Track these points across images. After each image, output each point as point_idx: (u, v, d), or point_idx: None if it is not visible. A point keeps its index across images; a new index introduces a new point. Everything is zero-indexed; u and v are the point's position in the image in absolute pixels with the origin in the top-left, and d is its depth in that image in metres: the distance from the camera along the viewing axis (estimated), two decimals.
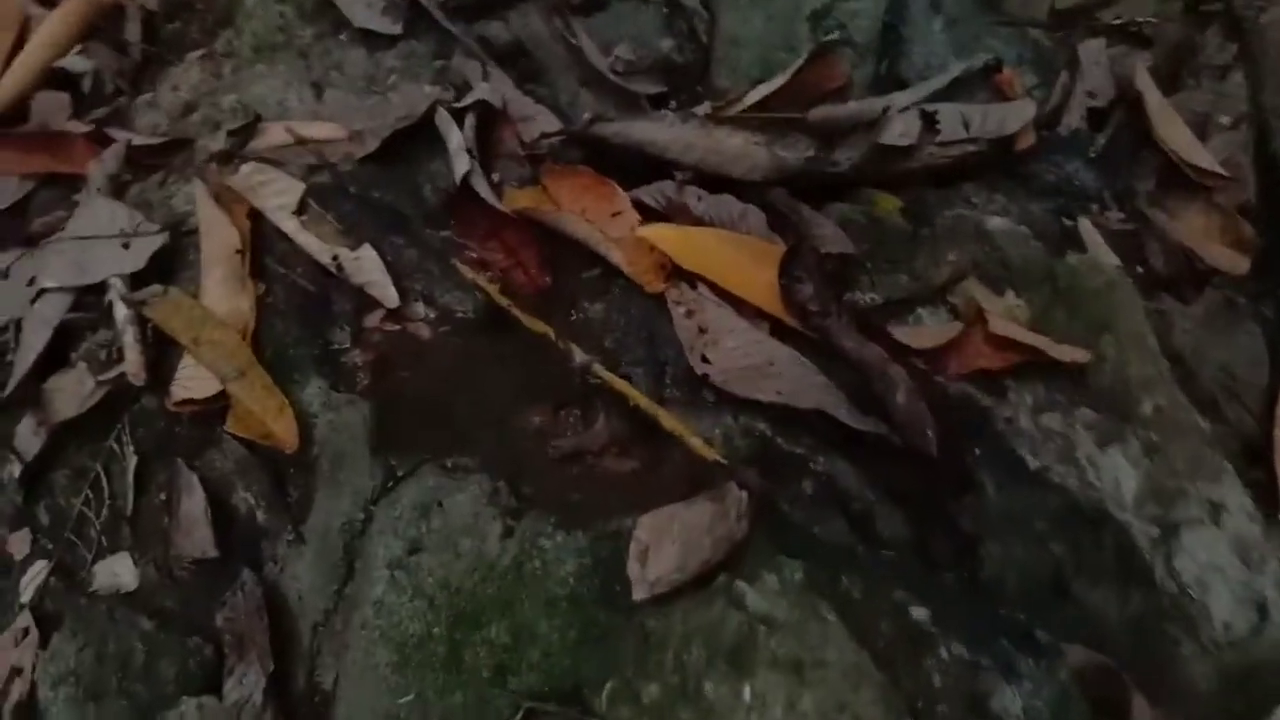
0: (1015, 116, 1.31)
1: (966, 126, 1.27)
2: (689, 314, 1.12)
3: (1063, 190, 1.29)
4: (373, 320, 1.22)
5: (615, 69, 1.50)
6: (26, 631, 1.07)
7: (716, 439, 1.04)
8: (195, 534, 1.07)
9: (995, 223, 1.22)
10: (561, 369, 1.10)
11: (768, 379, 1.05)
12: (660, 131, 1.31)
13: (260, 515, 1.11)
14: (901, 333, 1.15)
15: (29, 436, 1.13)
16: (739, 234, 1.21)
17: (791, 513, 0.98)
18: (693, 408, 1.08)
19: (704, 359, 1.08)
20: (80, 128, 1.43)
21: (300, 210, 1.28)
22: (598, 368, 1.05)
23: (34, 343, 1.16)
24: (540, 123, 1.42)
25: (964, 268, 1.19)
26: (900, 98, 1.32)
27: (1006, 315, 1.15)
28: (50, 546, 1.13)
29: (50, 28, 1.50)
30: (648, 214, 1.29)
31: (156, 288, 1.19)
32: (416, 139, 1.38)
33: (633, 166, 1.33)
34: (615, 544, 0.94)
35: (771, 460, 1.03)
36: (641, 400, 1.02)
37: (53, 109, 1.50)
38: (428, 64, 1.50)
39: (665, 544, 0.89)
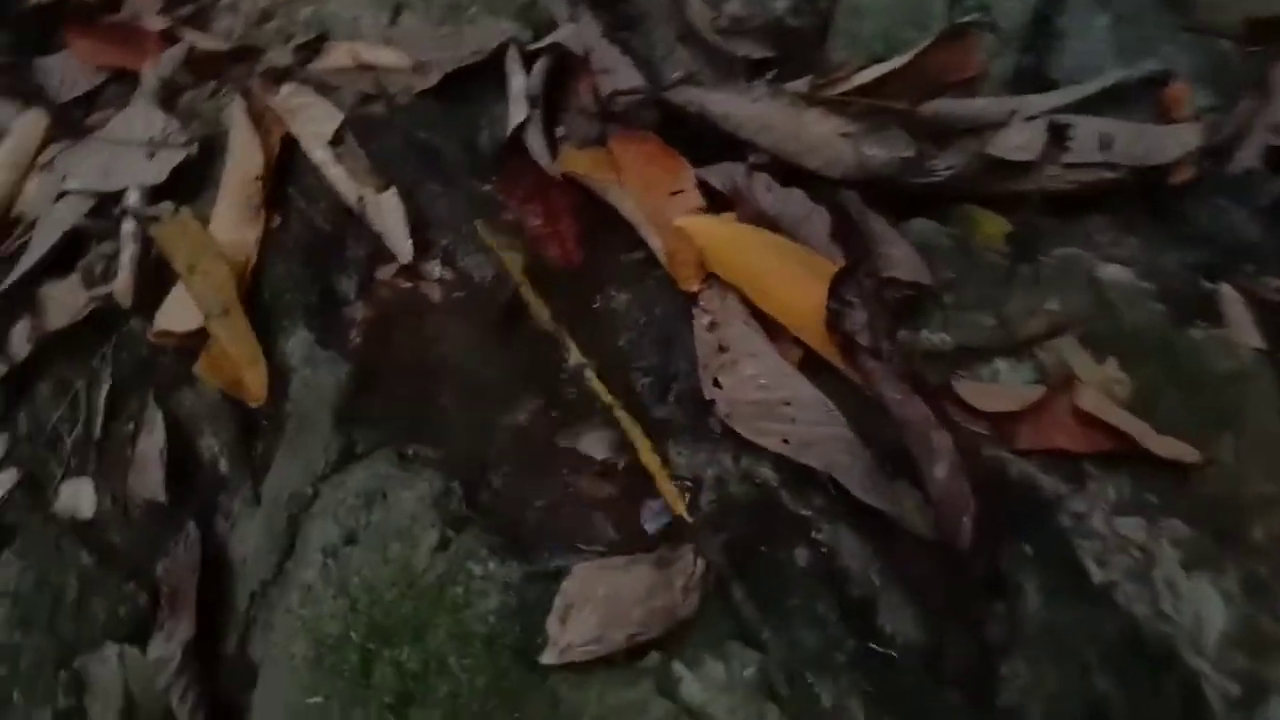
0: (1175, 143, 1.07)
1: (1106, 147, 1.04)
2: (712, 326, 0.96)
3: (1214, 242, 1.04)
4: (385, 273, 1.12)
5: (720, 26, 1.33)
6: None
7: (708, 480, 0.89)
8: (148, 474, 1.00)
9: (1113, 271, 0.99)
10: (559, 365, 0.97)
11: (777, 421, 0.88)
12: (738, 106, 1.13)
13: (223, 465, 1.03)
14: (968, 389, 0.96)
15: (20, 341, 1.09)
16: (794, 240, 1.03)
17: (767, 588, 0.82)
18: (693, 437, 0.92)
19: (716, 382, 0.93)
20: (159, 24, 1.38)
21: (336, 141, 1.18)
22: (589, 373, 0.91)
23: (40, 245, 1.12)
24: (620, 77, 1.26)
25: (1063, 321, 0.98)
26: (1034, 102, 1.10)
27: (1103, 388, 0.94)
28: (25, 455, 1.09)
29: None
30: (712, 198, 1.12)
31: (168, 205, 1.12)
32: (484, 79, 1.26)
33: (709, 140, 1.17)
34: (549, 588, 0.81)
35: (766, 518, 0.87)
36: (624, 420, 0.87)
37: (146, 2, 1.45)
38: None
39: (587, 608, 0.75)
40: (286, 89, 1.19)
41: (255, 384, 1.00)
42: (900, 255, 1.00)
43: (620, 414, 0.88)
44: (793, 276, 0.96)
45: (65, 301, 1.09)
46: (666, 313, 1.02)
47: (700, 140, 1.17)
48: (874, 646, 0.85)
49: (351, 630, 0.87)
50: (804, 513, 0.88)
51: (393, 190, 1.13)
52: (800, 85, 1.18)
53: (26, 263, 1.10)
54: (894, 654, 0.85)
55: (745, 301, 0.97)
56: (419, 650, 0.83)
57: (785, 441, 0.86)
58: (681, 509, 0.80)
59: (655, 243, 1.06)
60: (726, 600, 0.78)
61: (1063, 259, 1.02)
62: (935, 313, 1.00)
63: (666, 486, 0.82)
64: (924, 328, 0.99)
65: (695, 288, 1.01)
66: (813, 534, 0.87)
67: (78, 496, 1.05)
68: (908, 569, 0.87)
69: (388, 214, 1.12)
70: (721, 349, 0.94)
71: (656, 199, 1.12)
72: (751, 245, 0.99)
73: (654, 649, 0.76)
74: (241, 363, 1.01)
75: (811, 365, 0.95)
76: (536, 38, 1.31)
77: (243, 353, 1.01)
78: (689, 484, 0.89)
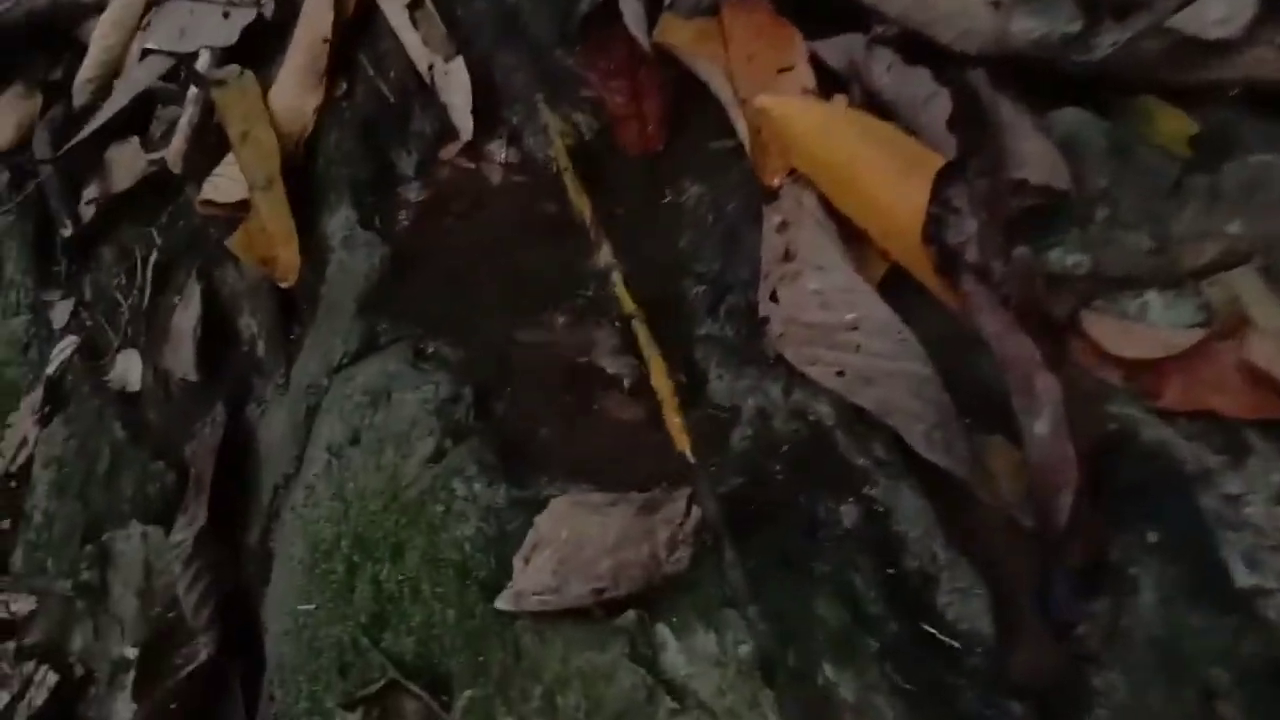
0: None
1: None
2: (782, 227, 0.80)
3: None
4: (449, 152, 1.01)
5: None
6: (40, 407, 1.03)
7: (747, 411, 0.74)
8: (181, 351, 0.96)
9: None
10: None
11: (835, 348, 0.72)
12: None
13: (260, 348, 0.97)
14: (1101, 325, 0.76)
15: (86, 204, 1.06)
16: (912, 131, 0.84)
17: (789, 548, 0.67)
18: (739, 360, 0.77)
19: (773, 296, 0.77)
20: None
21: (416, 4, 1.07)
22: (616, 276, 0.77)
23: (111, 106, 1.08)
24: None
25: (1244, 249, 0.75)
26: None
27: None
28: (85, 323, 1.07)
29: None
30: (827, 77, 0.94)
31: (234, 68, 1.05)
32: None
33: (836, 8, 0.98)
34: (534, 517, 0.69)
35: (811, 464, 0.72)
36: (641, 331, 0.73)
37: None
38: None
39: (548, 549, 0.63)
40: None
41: (287, 263, 0.92)
42: (1035, 152, 0.79)
43: (638, 325, 0.74)
44: (887, 171, 0.78)
45: (126, 164, 1.05)
46: (740, 211, 0.87)
47: (824, 8, 0.99)
48: (929, 629, 0.69)
49: (342, 538, 0.79)
50: (860, 462, 0.72)
51: (460, 59, 1.01)
52: None
53: (95, 123, 1.07)
54: (956, 644, 0.69)
55: (826, 201, 0.79)
56: (397, 570, 0.74)
57: (839, 374, 0.70)
58: (685, 446, 0.66)
59: (742, 128, 0.90)
60: (728, 556, 0.63)
61: (1256, 170, 0.78)
62: (1073, 228, 0.79)
63: (673, 416, 0.68)
64: (1056, 246, 0.79)
65: (775, 182, 0.85)
66: (866, 489, 0.71)
67: (128, 368, 1.02)
68: (983, 545, 0.70)
69: (454, 85, 1.01)
70: (787, 256, 0.78)
71: (760, 77, 0.95)
72: (843, 131, 0.81)
73: (632, 607, 0.63)
74: (276, 240, 0.93)
75: (895, 285, 0.77)
76: None
77: (278, 229, 0.93)
78: (724, 414, 0.74)
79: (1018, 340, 0.71)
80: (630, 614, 0.63)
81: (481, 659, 0.67)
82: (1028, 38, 0.85)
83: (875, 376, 0.70)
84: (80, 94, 1.20)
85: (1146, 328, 0.76)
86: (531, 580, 0.62)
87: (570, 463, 0.74)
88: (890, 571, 0.69)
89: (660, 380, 0.70)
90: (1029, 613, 0.69)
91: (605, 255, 0.79)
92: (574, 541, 0.62)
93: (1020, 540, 0.69)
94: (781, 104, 0.84)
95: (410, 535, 0.73)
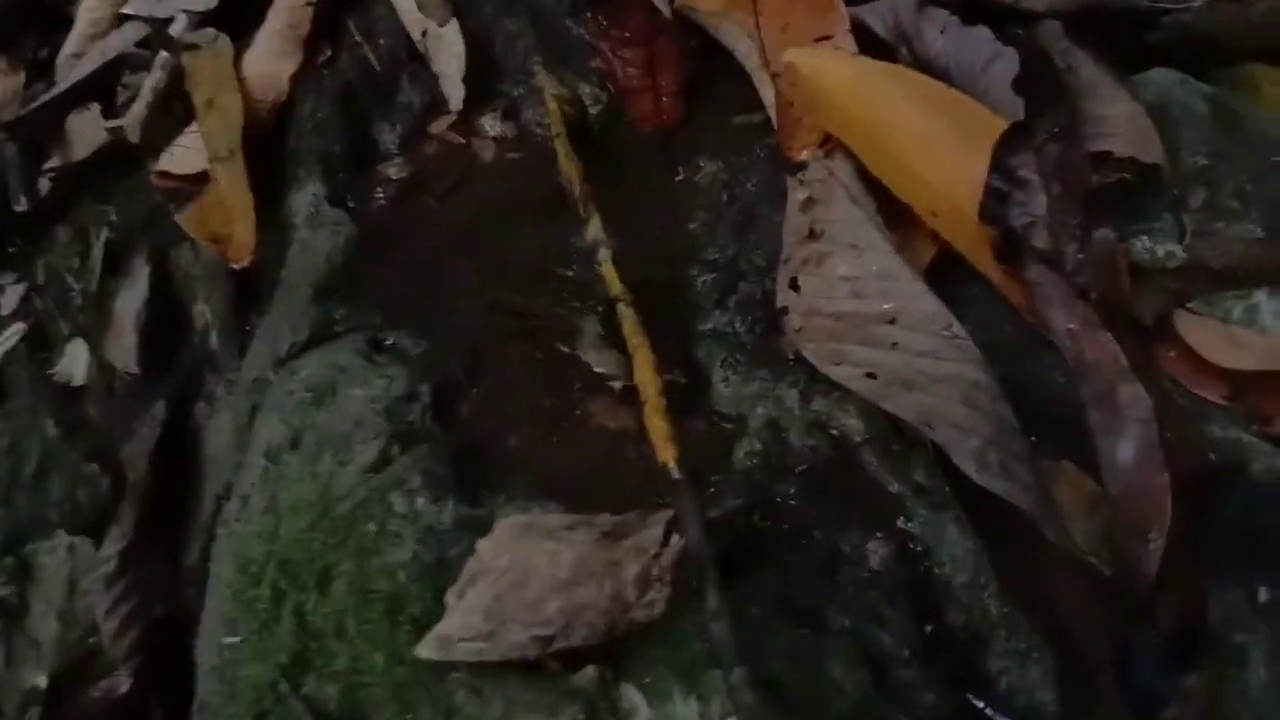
0: None
1: None
2: (807, 204, 0.67)
3: None
4: (438, 126, 0.90)
5: None
6: None
7: (755, 421, 0.60)
8: (122, 341, 0.84)
9: None
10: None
11: (868, 345, 0.58)
12: None
13: (213, 339, 0.85)
14: (1199, 329, 0.61)
15: (44, 178, 0.96)
16: (959, 92, 0.70)
17: (797, 593, 0.53)
18: (749, 359, 0.64)
19: (794, 283, 0.63)
20: None
21: None
22: (604, 253, 0.64)
23: (77, 72, 0.98)
24: None
25: None
26: None
27: None
28: (35, 308, 0.96)
29: None
30: (869, 45, 0.81)
31: (209, 33, 0.94)
32: None
33: None
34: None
35: (832, 489, 0.58)
36: (626, 318, 0.60)
37: None
38: None
39: (483, 582, 0.49)
40: None
41: (242, 242, 0.81)
42: (1120, 117, 0.65)
43: (624, 309, 0.61)
44: (938, 137, 0.64)
45: (87, 133, 0.94)
46: (760, 189, 0.74)
47: None
48: (976, 702, 0.54)
49: (269, 560, 0.66)
50: (893, 487, 0.58)
51: (454, 24, 0.89)
52: None
53: (55, 90, 0.97)
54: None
55: (863, 171, 0.66)
56: (324, 601, 0.61)
57: (870, 376, 0.56)
58: (669, 457, 0.52)
59: (769, 96, 0.77)
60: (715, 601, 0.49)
61: None
62: (1166, 212, 0.65)
63: (656, 419, 0.54)
64: (1145, 232, 0.65)
65: (803, 155, 0.71)
66: (900, 522, 0.57)
67: (75, 359, 0.91)
68: (1047, 598, 0.55)
69: (446, 52, 0.89)
70: (813, 235, 0.64)
71: (794, 45, 0.82)
72: (885, 89, 0.67)
73: (593, 662, 0.49)
74: (233, 215, 0.82)
75: (944, 272, 0.63)
76: None
77: (235, 203, 0.82)
78: (728, 423, 0.61)
79: (1097, 342, 0.57)
80: (590, 671, 0.49)
81: (409, 717, 0.54)
82: None
83: (916, 380, 0.56)
84: (63, 69, 1.12)
85: (1254, 334, 0.61)
86: (461, 622, 0.49)
87: (539, 477, 0.61)
88: (928, 628, 0.54)
89: (645, 375, 0.56)
90: (1104, 686, 0.54)
91: (594, 230, 0.66)
92: (515, 574, 0.48)
93: (1095, 593, 0.54)
94: (813, 58, 0.71)
95: (338, 559, 0.60)
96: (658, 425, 0.53)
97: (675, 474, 0.51)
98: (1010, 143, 0.63)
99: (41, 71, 1.15)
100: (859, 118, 0.66)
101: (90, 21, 1.12)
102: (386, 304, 0.75)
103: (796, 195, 0.67)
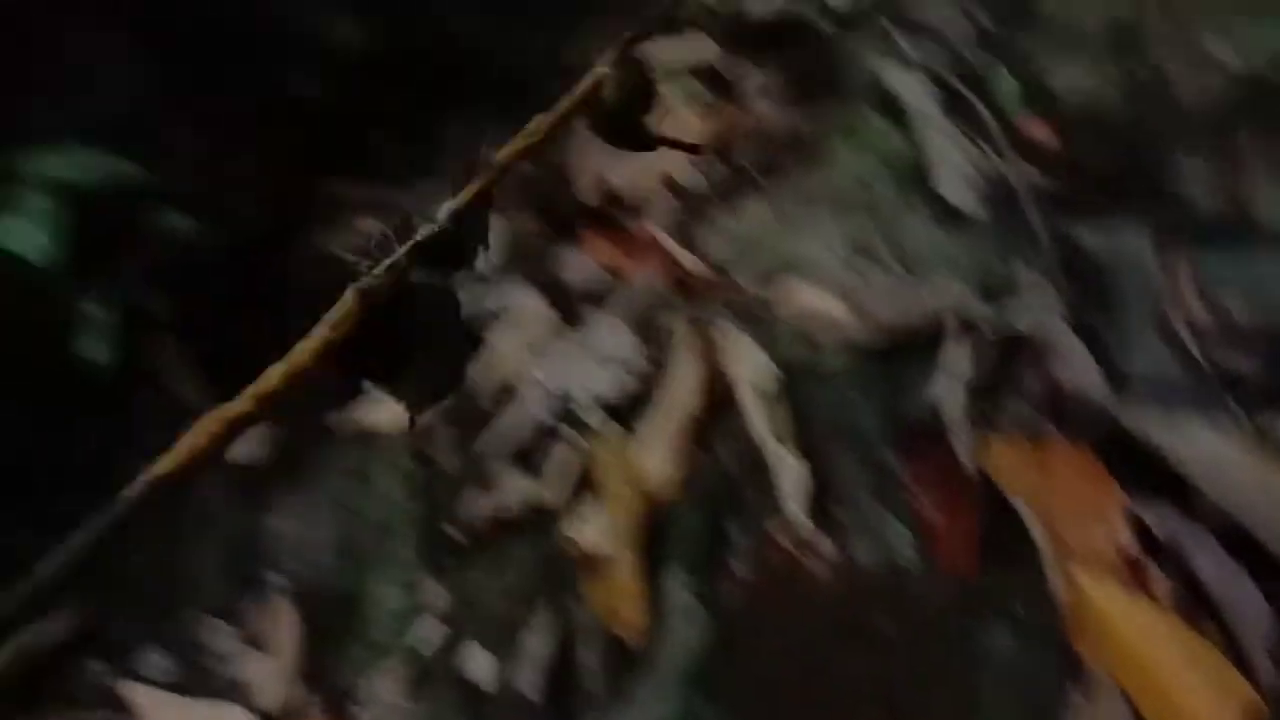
0: None
1: None
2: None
3: None
4: (783, 536, 1.15)
5: (1202, 328, 1.20)
6: None
7: None
8: (524, 673, 1.12)
9: None
10: None
11: None
12: (1185, 439, 1.01)
13: (594, 684, 1.12)
14: None
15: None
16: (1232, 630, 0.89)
17: None
18: None
19: None
20: (651, 234, 1.54)
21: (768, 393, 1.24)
22: None
23: (508, 432, 1.30)
24: (1075, 372, 1.19)
25: None
26: None
27: None
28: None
29: None
30: (1142, 536, 1.01)
31: (608, 422, 1.25)
32: (923, 341, 1.26)
33: (1158, 472, 1.06)
34: None
35: None
36: None
37: (663, 207, 1.61)
38: (980, 254, 1.35)
39: None
40: (724, 323, 1.28)
41: (631, 621, 1.08)
42: None
43: None
44: (1190, 690, 0.83)
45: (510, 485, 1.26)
46: (1042, 670, 0.94)
47: (1145, 465, 1.06)
48: None
49: None
50: None
51: (795, 451, 1.16)
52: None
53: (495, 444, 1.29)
54: None
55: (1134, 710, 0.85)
56: None
57: None
58: None
59: (1059, 585, 0.98)
60: None
61: None
62: None
63: None
64: None
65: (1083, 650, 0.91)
66: None
67: (476, 661, 1.20)
68: None
69: (787, 471, 1.15)
70: None
71: (1078, 522, 1.03)
72: (1162, 642, 0.86)
73: None
74: (624, 596, 1.09)
75: None
76: (989, 300, 1.28)
77: (628, 588, 1.09)
78: None
79: None
80: None
81: None
82: None
83: None
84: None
85: None
86: None
87: None
88: None
89: None
90: None
91: None
92: None
93: None
94: (1102, 593, 0.91)
95: None
96: None
97: None
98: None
99: None
100: (1135, 661, 0.86)
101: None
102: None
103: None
